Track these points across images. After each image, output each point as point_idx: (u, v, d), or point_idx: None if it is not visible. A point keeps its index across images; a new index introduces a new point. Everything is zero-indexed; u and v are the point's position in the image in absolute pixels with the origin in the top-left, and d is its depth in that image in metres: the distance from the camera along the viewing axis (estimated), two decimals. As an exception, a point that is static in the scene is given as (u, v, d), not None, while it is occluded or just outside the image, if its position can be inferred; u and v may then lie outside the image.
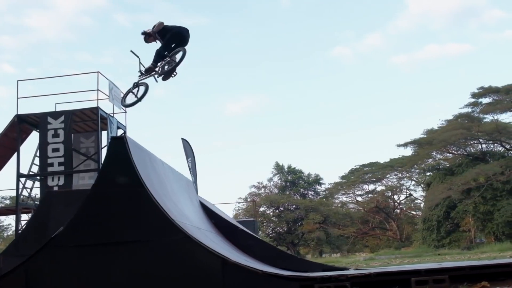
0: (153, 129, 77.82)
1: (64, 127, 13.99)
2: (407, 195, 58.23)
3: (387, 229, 57.36)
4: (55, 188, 13.65)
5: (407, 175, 55.55)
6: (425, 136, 47.91)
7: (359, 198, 57.89)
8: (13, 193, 15.44)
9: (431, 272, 6.35)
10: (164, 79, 9.58)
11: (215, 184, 76.11)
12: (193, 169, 20.54)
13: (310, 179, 54.05)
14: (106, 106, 15.06)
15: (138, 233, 6.68)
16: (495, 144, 46.29)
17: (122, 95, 15.88)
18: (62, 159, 13.87)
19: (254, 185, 53.42)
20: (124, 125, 15.88)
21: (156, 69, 9.47)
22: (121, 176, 6.86)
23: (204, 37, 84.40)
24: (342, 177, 56.40)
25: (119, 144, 6.88)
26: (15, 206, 14.86)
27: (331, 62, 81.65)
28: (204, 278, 6.51)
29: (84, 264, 6.67)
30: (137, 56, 9.45)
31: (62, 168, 13.84)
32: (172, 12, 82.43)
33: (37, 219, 10.25)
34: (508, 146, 45.40)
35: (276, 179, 53.82)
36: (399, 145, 48.85)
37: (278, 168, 52.80)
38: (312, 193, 54.59)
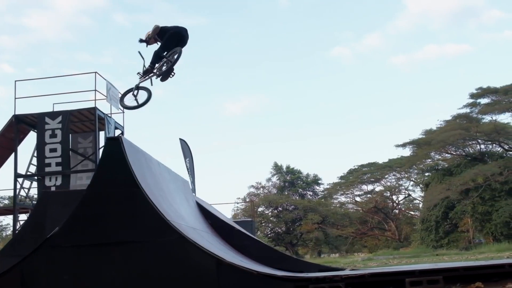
0: (152, 129, 77.88)
1: (62, 128, 14.00)
2: (406, 196, 58.32)
3: (385, 229, 57.40)
4: (53, 188, 13.66)
5: (406, 175, 55.60)
6: (424, 136, 47.95)
7: (357, 199, 57.99)
8: (11, 193, 15.46)
9: (425, 273, 6.38)
10: (162, 80, 9.56)
11: (214, 184, 76.21)
12: (191, 169, 20.57)
13: (309, 180, 54.09)
14: (104, 107, 15.10)
15: (134, 233, 6.70)
16: (494, 144, 46.33)
17: (120, 95, 15.94)
18: (59, 159, 13.88)
19: (252, 185, 53.59)
20: (122, 125, 15.90)
21: (154, 70, 9.46)
22: (116, 176, 6.88)
23: (203, 37, 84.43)
24: (341, 178, 56.48)
25: (115, 145, 6.90)
26: (13, 206, 14.87)
27: (331, 62, 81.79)
28: (199, 278, 6.53)
29: (80, 265, 6.69)
30: (143, 58, 9.37)
31: (59, 168, 13.85)
32: (171, 12, 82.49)
33: (34, 219, 10.26)
34: (506, 147, 45.45)
35: (274, 179, 54.01)
36: (398, 146, 48.95)
37: (277, 168, 52.84)
38: (311, 193, 54.65)
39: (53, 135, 14.01)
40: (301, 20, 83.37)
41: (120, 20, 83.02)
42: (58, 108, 15.17)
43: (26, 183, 15.52)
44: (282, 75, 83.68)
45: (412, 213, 57.31)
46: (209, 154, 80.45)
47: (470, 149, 47.86)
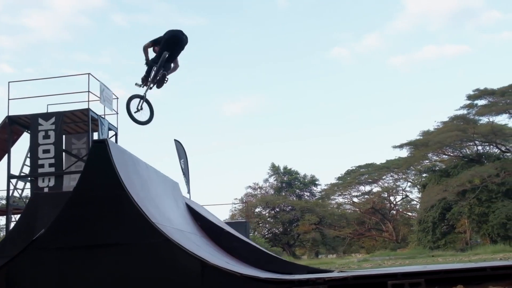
0: (151, 130, 77.86)
1: (55, 129, 14.05)
2: (403, 197, 58.37)
3: (383, 230, 57.45)
4: (46, 189, 13.70)
5: (403, 176, 55.65)
6: (421, 137, 47.99)
7: (355, 199, 58.05)
8: (5, 194, 15.48)
9: (408, 275, 6.44)
10: (158, 87, 9.59)
11: (213, 184, 76.22)
12: (185, 170, 20.58)
13: (306, 180, 54.13)
14: (98, 108, 15.14)
15: (119, 235, 6.75)
16: (491, 146, 46.38)
17: (114, 96, 16.01)
18: (52, 160, 13.92)
19: (250, 186, 53.60)
20: (116, 126, 15.93)
21: (150, 78, 9.49)
22: (102, 179, 6.94)
23: (203, 37, 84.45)
24: (339, 178, 56.51)
25: (100, 148, 6.96)
26: (6, 207, 14.91)
27: (330, 62, 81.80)
28: (184, 280, 6.59)
29: (66, 266, 6.74)
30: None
31: (52, 169, 13.89)
32: (169, 12, 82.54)
33: (25, 221, 10.31)
34: (503, 148, 45.49)
35: (272, 180, 54.05)
36: (395, 147, 48.98)
37: (274, 169, 52.87)
38: (308, 194, 54.70)
39: (46, 136, 14.05)
40: (300, 20, 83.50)
41: (118, 20, 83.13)
42: (52, 109, 15.22)
43: (20, 184, 15.56)
44: (281, 75, 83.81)
45: (409, 214, 57.40)
46: (208, 154, 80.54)
47: (467, 150, 47.90)
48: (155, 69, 9.34)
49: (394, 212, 58.58)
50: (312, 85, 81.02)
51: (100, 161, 6.91)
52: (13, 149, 15.35)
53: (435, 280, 6.33)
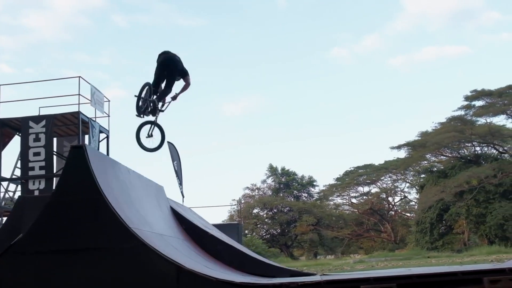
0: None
1: (46, 131, 14.12)
2: (402, 197, 58.40)
3: (381, 231, 57.47)
4: (36, 192, 13.79)
5: (402, 177, 55.68)
6: (419, 138, 48.02)
7: (353, 200, 58.07)
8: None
9: (380, 280, 6.50)
10: (152, 115, 9.38)
11: (212, 185, 76.23)
12: (178, 172, 20.65)
13: (304, 181, 54.20)
14: (90, 110, 15.21)
15: (96, 240, 6.83)
16: (489, 147, 46.42)
17: (105, 99, 16.09)
18: (43, 163, 14.01)
19: (247, 187, 53.66)
20: (107, 129, 16.02)
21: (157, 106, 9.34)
22: (80, 184, 7.01)
23: (202, 37, 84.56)
24: (337, 179, 56.54)
25: (78, 153, 7.04)
26: (-4, 210, 15.00)
27: (329, 63, 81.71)
28: (159, 285, 6.66)
29: (43, 271, 6.82)
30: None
31: (43, 172, 13.97)
32: (169, 13, 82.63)
33: (10, 224, 10.38)
34: (501, 149, 45.52)
35: (269, 181, 54.10)
36: (393, 148, 48.99)
37: (272, 170, 52.95)
38: (306, 195, 54.77)
39: (37, 139, 14.14)
40: (299, 20, 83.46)
41: (118, 20, 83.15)
42: (44, 111, 15.29)
43: (12, 187, 15.65)
44: (281, 75, 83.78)
45: (408, 214, 57.40)
46: (207, 154, 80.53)
47: (465, 151, 47.96)
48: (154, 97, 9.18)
49: (393, 213, 58.61)
50: (311, 85, 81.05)
51: (78, 166, 6.99)
52: (5, 152, 15.43)
53: (407, 285, 6.40)
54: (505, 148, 45.53)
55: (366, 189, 57.36)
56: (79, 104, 14.34)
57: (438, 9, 77.59)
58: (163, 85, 9.19)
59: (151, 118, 9.27)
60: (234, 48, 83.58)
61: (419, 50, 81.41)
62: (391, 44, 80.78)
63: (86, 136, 15.23)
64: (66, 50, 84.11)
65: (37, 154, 14.19)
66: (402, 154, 50.89)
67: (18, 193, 15.23)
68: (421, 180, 51.78)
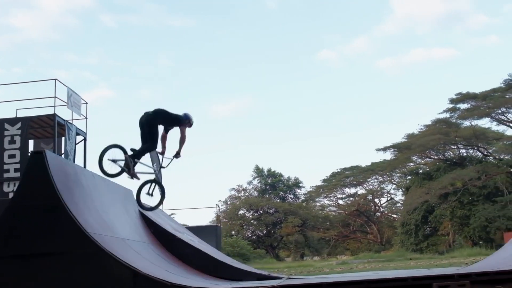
0: (136, 133, 77.62)
1: (21, 134, 14.12)
2: (388, 199, 58.75)
3: (368, 232, 57.77)
4: (11, 194, 13.77)
5: (388, 178, 56.02)
6: (405, 140, 48.29)
7: (340, 202, 58.32)
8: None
9: (333, 285, 6.64)
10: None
11: (199, 186, 76.28)
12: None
13: (290, 183, 54.36)
14: (67, 113, 15.18)
15: (54, 245, 6.91)
16: (474, 149, 46.79)
17: (82, 101, 16.10)
18: (18, 165, 13.98)
19: (233, 188, 53.70)
20: (85, 131, 16.03)
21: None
22: (39, 189, 7.09)
23: (191, 38, 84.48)
24: (324, 180, 56.76)
25: (38, 158, 7.11)
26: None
27: (318, 65, 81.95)
28: (116, 289, 6.76)
29: (1, 275, 6.88)
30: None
31: (18, 174, 13.95)
32: (159, 13, 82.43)
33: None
34: (485, 152, 45.92)
35: (255, 182, 54.17)
36: (379, 150, 49.25)
37: (258, 171, 53.06)
38: (292, 196, 54.94)
39: (12, 141, 14.13)
40: (289, 22, 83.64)
41: (106, 20, 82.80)
42: (21, 114, 15.25)
43: (-11, 188, 15.59)
44: (269, 77, 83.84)
45: (394, 216, 57.71)
46: (197, 156, 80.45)
47: (450, 153, 48.31)
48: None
49: (379, 214, 58.94)
50: (300, 87, 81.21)
51: (38, 171, 7.07)
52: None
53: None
54: (490, 151, 45.93)
55: (352, 190, 57.75)
56: (54, 106, 14.35)
57: (427, 12, 78.06)
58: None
59: (152, 176, 8.85)
60: (223, 49, 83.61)
61: (408, 53, 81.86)
62: (379, 46, 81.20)
63: (63, 138, 15.22)
64: (54, 50, 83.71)
65: (12, 156, 14.18)
66: (388, 156, 51.23)
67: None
68: (407, 182, 52.12)
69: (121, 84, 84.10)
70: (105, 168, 8.09)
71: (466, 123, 44.93)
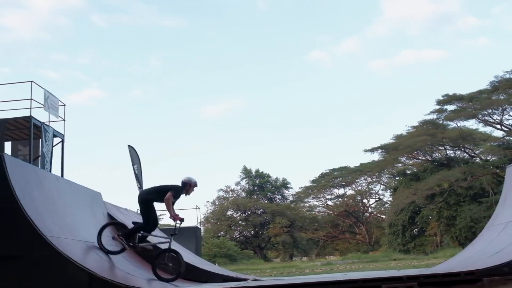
0: (132, 133, 77.51)
1: (-3, 135, 14.18)
2: (377, 199, 59.02)
3: (356, 233, 58.01)
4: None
5: (377, 179, 56.27)
6: (393, 141, 48.54)
7: (329, 202, 58.53)
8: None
9: (285, 287, 6.76)
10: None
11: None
12: (139, 176, 20.74)
13: (278, 184, 54.51)
14: (43, 115, 15.21)
15: (11, 248, 6.98)
16: (460, 150, 47.10)
17: (60, 103, 16.14)
18: (-7, 167, 14.03)
19: (221, 189, 53.77)
20: (62, 133, 16.06)
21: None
22: (-3, 193, 7.15)
23: (182, 39, 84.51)
24: (313, 181, 56.95)
25: (-4, 163, 7.17)
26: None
27: (309, 66, 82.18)
28: (72, 292, 6.84)
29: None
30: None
31: (-7, 176, 13.98)
32: (149, 13, 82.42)
33: None
34: (471, 153, 46.23)
35: (243, 183, 54.29)
36: (366, 151, 49.48)
37: (246, 172, 53.18)
38: (280, 197, 55.08)
39: (-12, 143, 14.19)
40: (280, 23, 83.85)
41: (97, 20, 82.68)
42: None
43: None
44: (260, 78, 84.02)
45: (382, 216, 57.99)
46: (188, 158, 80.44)
47: (437, 154, 48.59)
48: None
49: (368, 215, 59.20)
50: (291, 88, 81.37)
51: (-4, 175, 7.13)
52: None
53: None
54: (476, 152, 46.23)
55: (341, 191, 58.01)
56: (30, 108, 14.38)
57: (417, 13, 78.44)
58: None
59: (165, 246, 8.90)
60: (215, 49, 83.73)
61: (398, 54, 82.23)
62: (370, 47, 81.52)
63: (40, 140, 15.25)
64: (44, 50, 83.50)
65: (-13, 158, 14.20)
66: (376, 157, 51.49)
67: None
68: (395, 182, 52.39)
69: (112, 84, 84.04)
70: (106, 247, 8.26)
71: (453, 124, 45.24)
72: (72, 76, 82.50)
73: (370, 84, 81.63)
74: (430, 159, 48.19)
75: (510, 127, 45.41)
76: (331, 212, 58.54)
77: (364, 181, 56.73)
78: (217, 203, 52.30)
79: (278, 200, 54.46)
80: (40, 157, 14.82)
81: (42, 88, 14.87)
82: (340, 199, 57.69)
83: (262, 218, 49.28)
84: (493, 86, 43.36)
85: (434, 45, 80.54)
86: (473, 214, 40.03)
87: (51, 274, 6.89)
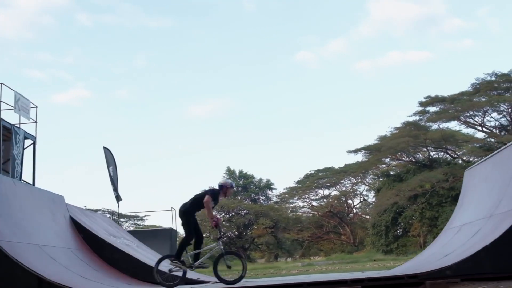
0: (117, 132, 77.23)
1: (-34, 137, 14.12)
2: (361, 200, 59.33)
3: (341, 233, 58.25)
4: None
5: (361, 180, 56.55)
6: (377, 142, 48.82)
7: (314, 203, 58.70)
8: None
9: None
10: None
11: (179, 188, 76.25)
12: (114, 177, 20.77)
13: (262, 184, 54.57)
14: (14, 117, 15.16)
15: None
16: (443, 152, 47.47)
17: (32, 105, 16.10)
18: (-37, 170, 13.99)
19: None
20: (34, 135, 16.02)
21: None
22: None
23: (168, 39, 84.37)
24: (297, 182, 57.10)
25: None
26: None
27: (295, 66, 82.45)
28: (21, 295, 6.86)
29: None
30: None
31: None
32: (135, 13, 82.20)
33: None
34: (453, 154, 46.62)
35: (227, 184, 53.68)
36: (350, 152, 49.72)
37: (230, 173, 53.20)
38: (263, 198, 55.12)
39: (-42, 144, 14.11)
40: (266, 24, 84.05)
41: (83, 20, 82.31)
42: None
43: None
44: (247, 78, 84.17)
45: (367, 217, 58.27)
46: (174, 158, 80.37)
47: (421, 155, 48.93)
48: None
49: (352, 215, 59.48)
50: (277, 88, 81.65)
51: None
52: None
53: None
54: (458, 154, 46.63)
55: (326, 192, 58.20)
56: (0, 110, 14.35)
57: (403, 15, 79.00)
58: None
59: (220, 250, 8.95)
60: (201, 50, 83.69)
61: (384, 55, 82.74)
62: (356, 48, 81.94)
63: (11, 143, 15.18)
64: (28, 49, 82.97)
65: (-43, 160, 14.15)
66: (360, 158, 51.76)
67: None
68: (379, 183, 52.70)
69: (98, 84, 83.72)
70: (165, 281, 8.32)
71: (435, 126, 45.60)
72: (58, 76, 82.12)
73: (355, 85, 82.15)
74: (413, 160, 48.51)
75: (491, 128, 45.96)
76: (315, 212, 58.71)
77: (349, 182, 57.05)
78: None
79: (262, 201, 54.54)
80: (10, 160, 14.77)
81: (13, 90, 14.85)
82: (324, 200, 57.90)
83: (246, 219, 49.28)
84: (475, 88, 43.83)
85: (419, 47, 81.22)
86: (454, 215, 40.35)
87: (1, 278, 6.90)
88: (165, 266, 8.45)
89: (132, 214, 48.44)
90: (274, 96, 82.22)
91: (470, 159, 45.58)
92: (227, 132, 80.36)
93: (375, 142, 49.10)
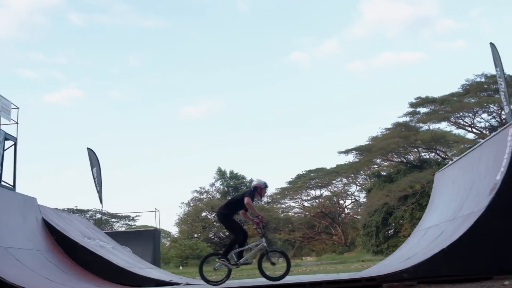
0: (112, 133, 77.13)
1: None
2: (353, 200, 59.46)
3: (332, 234, 58.35)
4: None
5: (353, 180, 56.67)
6: (368, 143, 48.94)
7: (305, 203, 58.80)
8: None
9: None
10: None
11: (165, 189, 76.26)
12: (98, 179, 20.79)
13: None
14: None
15: None
16: (433, 152, 47.64)
17: (13, 106, 16.10)
18: None
19: (196, 190, 53.74)
20: (15, 136, 16.01)
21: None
22: None
23: (162, 39, 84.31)
24: (289, 182, 57.20)
25: None
26: None
27: (289, 67, 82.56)
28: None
29: None
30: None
31: None
32: (128, 13, 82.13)
33: None
34: (444, 155, 46.77)
35: (218, 184, 54.32)
36: (341, 152, 49.83)
37: (221, 173, 53.25)
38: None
39: None
40: (260, 24, 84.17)
41: (75, 19, 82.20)
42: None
43: None
44: (241, 79, 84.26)
45: (358, 217, 58.41)
46: (167, 159, 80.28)
47: (411, 156, 49.08)
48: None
49: (344, 215, 59.59)
50: (271, 89, 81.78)
51: None
52: None
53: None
54: (448, 154, 46.77)
55: (317, 192, 58.29)
56: (-20, 112, 14.36)
57: (395, 16, 79.22)
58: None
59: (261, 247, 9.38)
60: (195, 50, 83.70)
61: (377, 56, 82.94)
62: (349, 49, 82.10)
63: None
64: (21, 49, 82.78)
65: None
66: (351, 158, 51.89)
67: None
68: (370, 184, 52.84)
69: (91, 84, 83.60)
70: (210, 278, 8.84)
71: (426, 126, 45.74)
72: (50, 76, 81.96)
73: (348, 85, 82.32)
74: (404, 161, 48.66)
75: (481, 129, 46.12)
76: (307, 213, 58.80)
77: (340, 182, 57.19)
78: (191, 205, 52.29)
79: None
80: (-11, 161, 14.75)
81: (-7, 91, 14.82)
82: (316, 200, 58.01)
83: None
84: (465, 89, 43.96)
85: (412, 48, 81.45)
86: (444, 216, 40.51)
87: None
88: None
89: (124, 214, 48.52)
90: (266, 96, 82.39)
91: (461, 160, 45.84)
92: (219, 132, 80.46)
93: (366, 142, 49.28)
